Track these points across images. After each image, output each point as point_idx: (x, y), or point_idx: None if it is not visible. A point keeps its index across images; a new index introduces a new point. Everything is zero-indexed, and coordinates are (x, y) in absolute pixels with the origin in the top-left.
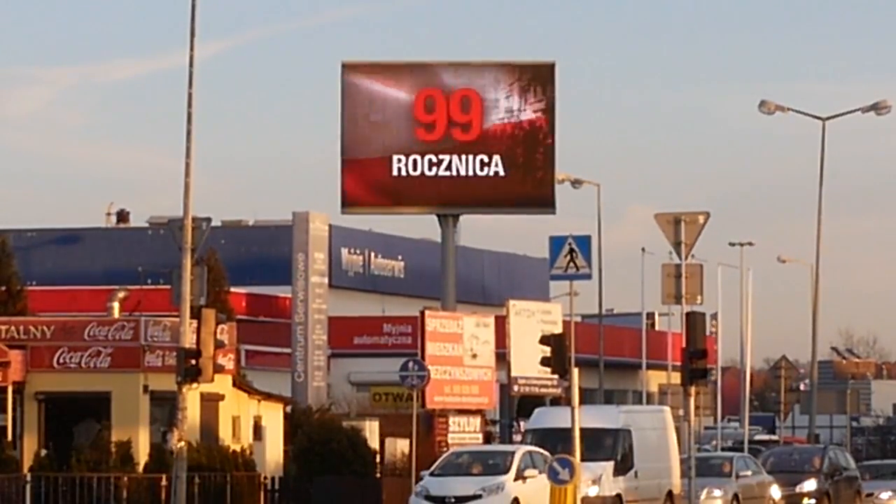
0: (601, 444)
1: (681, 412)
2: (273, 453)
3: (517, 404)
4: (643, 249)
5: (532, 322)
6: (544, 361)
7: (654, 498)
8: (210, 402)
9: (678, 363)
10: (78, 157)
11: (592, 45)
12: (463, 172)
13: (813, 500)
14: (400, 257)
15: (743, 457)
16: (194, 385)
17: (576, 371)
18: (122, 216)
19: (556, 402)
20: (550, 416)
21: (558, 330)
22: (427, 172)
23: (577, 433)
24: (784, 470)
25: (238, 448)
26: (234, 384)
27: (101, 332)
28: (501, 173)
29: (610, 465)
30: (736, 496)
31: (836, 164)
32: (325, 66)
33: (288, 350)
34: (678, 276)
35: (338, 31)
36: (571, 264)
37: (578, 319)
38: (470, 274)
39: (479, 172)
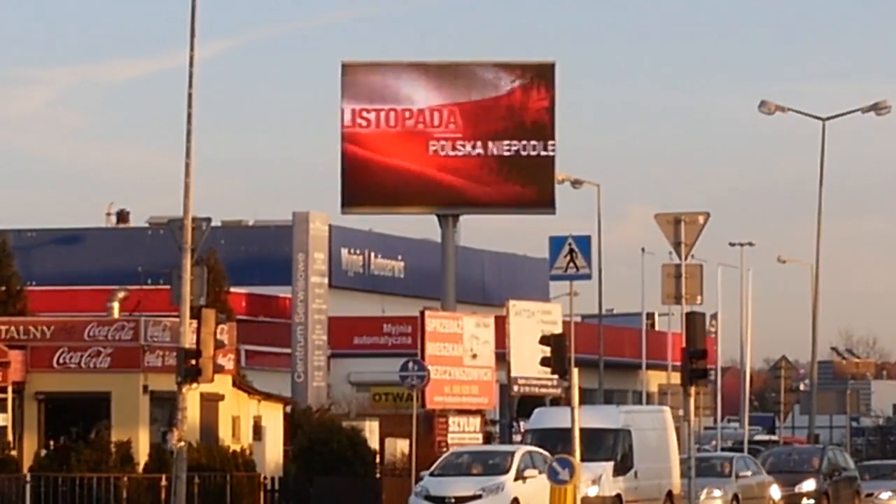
0: (601, 444)
1: (681, 412)
2: (273, 453)
3: (517, 404)
4: (643, 249)
5: (532, 322)
6: (544, 361)
7: (653, 498)
8: (210, 402)
9: (678, 363)
10: (78, 157)
11: (592, 45)
12: (464, 172)
13: (812, 501)
14: (400, 257)
15: (743, 457)
16: (194, 385)
17: (576, 371)
18: (122, 216)
19: (556, 402)
20: (550, 416)
21: (558, 330)
22: (427, 172)
23: (577, 433)
24: (783, 470)
25: (238, 448)
26: (234, 384)
27: (101, 332)
28: (502, 173)
29: (610, 465)
30: (736, 496)
31: (836, 164)
32: (325, 66)
33: (288, 350)
34: (678, 277)
35: (338, 31)
36: (571, 264)
37: (578, 319)
38: (470, 274)
39: (479, 172)
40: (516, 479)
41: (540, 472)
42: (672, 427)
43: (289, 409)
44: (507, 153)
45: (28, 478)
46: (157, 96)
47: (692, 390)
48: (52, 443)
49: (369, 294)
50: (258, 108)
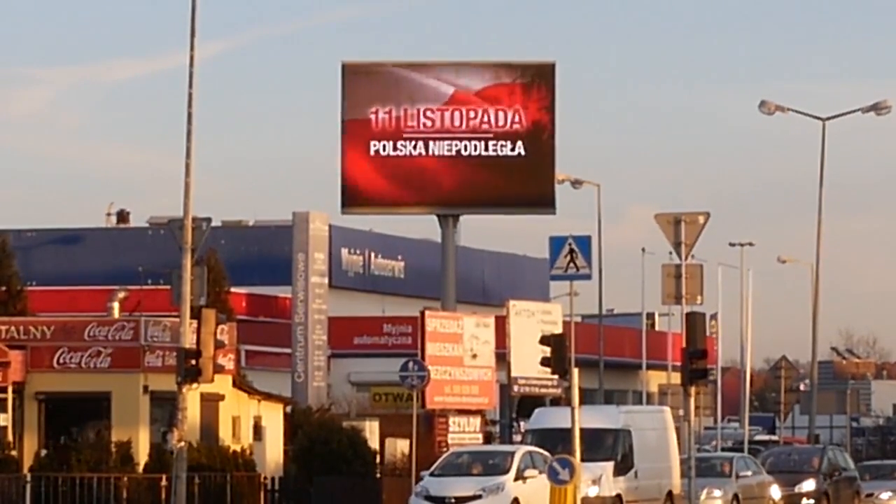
0: (601, 444)
1: (681, 412)
2: (273, 453)
3: (517, 404)
4: (643, 249)
5: (532, 322)
6: (544, 361)
7: (654, 498)
8: (210, 402)
9: (678, 363)
10: (78, 157)
11: (592, 45)
12: (463, 172)
13: (812, 501)
14: (400, 257)
15: (743, 457)
16: (194, 385)
17: (576, 371)
18: (122, 216)
19: (556, 402)
20: (550, 417)
21: (558, 330)
22: (428, 172)
23: (577, 433)
24: (783, 470)
25: (238, 448)
26: (234, 384)
27: (101, 332)
28: (502, 173)
29: (610, 465)
30: (736, 496)
31: (836, 164)
32: (325, 66)
33: (288, 350)
34: (678, 277)
35: (338, 31)
36: (571, 264)
37: (578, 319)
38: (470, 274)
39: (479, 172)
40: (516, 479)
41: (540, 472)
42: (672, 427)
43: (289, 409)
44: (507, 153)
45: (28, 478)
46: (157, 96)
47: (692, 390)
48: (51, 443)
49: (369, 294)
50: (258, 108)
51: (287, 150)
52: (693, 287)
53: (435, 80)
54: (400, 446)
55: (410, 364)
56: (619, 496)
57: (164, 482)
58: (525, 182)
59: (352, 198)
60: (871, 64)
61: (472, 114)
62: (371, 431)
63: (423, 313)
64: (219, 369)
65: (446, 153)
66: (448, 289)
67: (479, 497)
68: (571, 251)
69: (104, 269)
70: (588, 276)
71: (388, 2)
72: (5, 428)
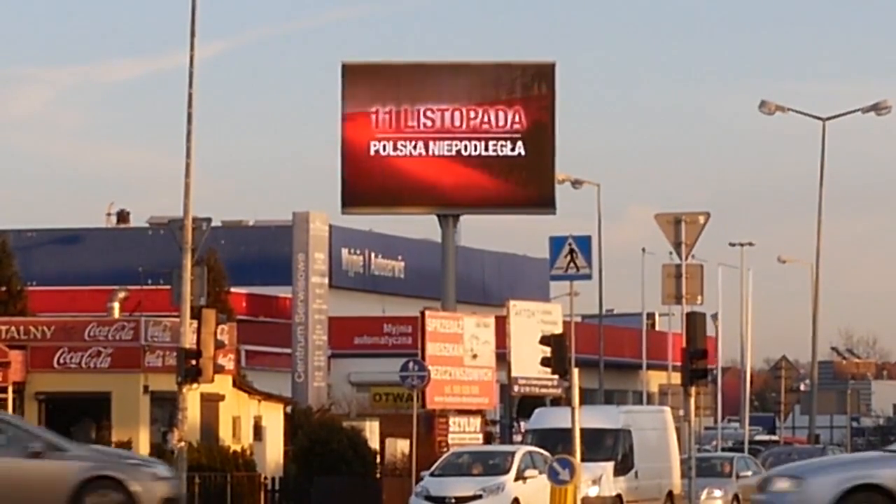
0: (601, 444)
1: (681, 412)
2: (273, 453)
3: (517, 404)
4: (643, 249)
5: (532, 322)
6: (544, 361)
7: (654, 498)
8: (210, 403)
9: (678, 363)
10: (78, 157)
11: (592, 45)
12: (463, 172)
13: None
14: (400, 257)
15: (743, 457)
16: (194, 385)
17: (576, 371)
18: (122, 216)
19: (556, 402)
20: (550, 417)
21: (558, 330)
22: (427, 172)
23: (577, 433)
24: None
25: (238, 448)
26: (235, 384)
27: (101, 332)
28: (502, 173)
29: (610, 465)
30: (736, 496)
31: (836, 164)
32: (325, 66)
33: (288, 350)
34: (678, 277)
35: (338, 31)
36: (571, 264)
37: (578, 319)
38: (470, 274)
39: (479, 172)
40: (517, 479)
41: (540, 473)
42: (672, 427)
43: (289, 409)
44: (507, 153)
45: None
46: (157, 96)
47: (692, 390)
48: None
49: (369, 294)
50: (258, 108)
51: (287, 150)
52: (693, 287)
53: (435, 80)
54: (400, 446)
55: (410, 364)
56: (619, 496)
57: None
58: (525, 182)
59: (352, 198)
60: (871, 64)
61: (472, 114)
62: (371, 431)
63: (423, 313)
64: (219, 369)
65: (446, 153)
66: (448, 289)
67: (480, 497)
68: (571, 251)
69: (104, 269)
70: (588, 276)
71: (388, 2)
72: None
